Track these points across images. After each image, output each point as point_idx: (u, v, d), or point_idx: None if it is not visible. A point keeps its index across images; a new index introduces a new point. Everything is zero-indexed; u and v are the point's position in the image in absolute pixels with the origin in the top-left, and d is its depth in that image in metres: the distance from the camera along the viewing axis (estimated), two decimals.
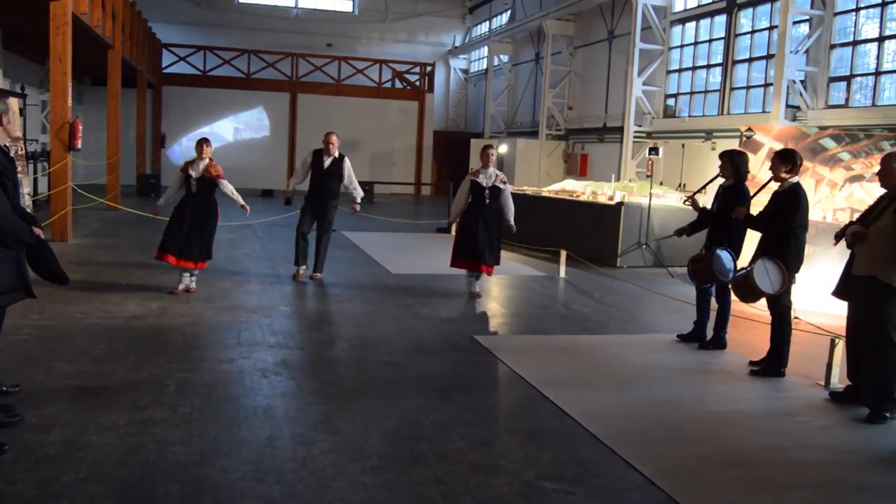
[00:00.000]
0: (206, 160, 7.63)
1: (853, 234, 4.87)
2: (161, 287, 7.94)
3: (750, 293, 5.63)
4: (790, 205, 5.53)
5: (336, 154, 8.66)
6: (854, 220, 5.20)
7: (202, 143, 7.68)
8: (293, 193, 9.01)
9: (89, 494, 3.29)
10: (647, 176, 12.02)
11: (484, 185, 8.15)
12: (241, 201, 7.89)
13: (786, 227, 5.54)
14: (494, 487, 3.58)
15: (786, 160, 5.62)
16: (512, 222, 8.31)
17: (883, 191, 4.98)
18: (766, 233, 5.70)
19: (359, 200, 8.98)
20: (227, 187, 7.76)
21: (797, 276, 5.70)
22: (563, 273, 10.04)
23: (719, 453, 4.15)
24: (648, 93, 17.42)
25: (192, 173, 7.57)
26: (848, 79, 12.76)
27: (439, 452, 3.95)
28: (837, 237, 5.11)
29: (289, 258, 10.24)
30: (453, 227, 8.92)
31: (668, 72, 17.63)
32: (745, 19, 15.57)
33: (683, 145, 15.59)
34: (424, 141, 26.77)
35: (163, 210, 7.93)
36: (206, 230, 7.59)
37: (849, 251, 5.02)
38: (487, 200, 8.15)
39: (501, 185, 8.23)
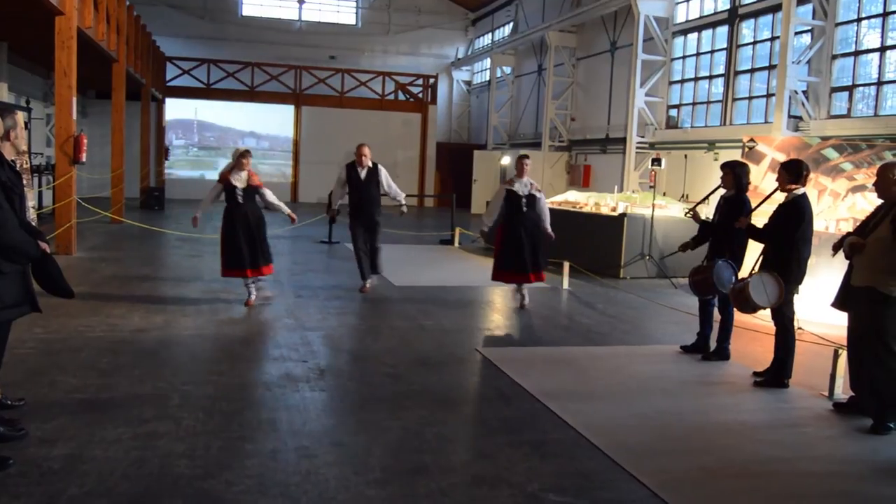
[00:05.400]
0: (247, 170, 7.72)
1: (851, 244, 4.86)
2: (164, 300, 7.98)
3: (746, 305, 5.64)
4: (794, 217, 5.52)
5: (370, 164, 8.79)
6: (851, 230, 5.19)
7: (246, 154, 7.77)
8: (338, 211, 9.25)
9: None
10: (650, 187, 12.04)
11: (521, 193, 8.23)
12: (287, 210, 8.04)
13: (788, 239, 5.52)
14: (498, 500, 3.58)
15: (791, 171, 5.61)
16: (549, 229, 8.38)
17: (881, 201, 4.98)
18: (769, 244, 5.69)
19: (403, 202, 9.11)
20: (271, 196, 7.89)
21: (800, 287, 5.70)
22: (566, 284, 10.04)
23: (723, 464, 4.15)
24: (651, 104, 17.44)
25: (238, 184, 7.64)
26: (850, 89, 12.76)
27: (443, 465, 3.95)
28: (835, 248, 5.09)
29: (294, 271, 10.36)
30: (475, 235, 9.06)
31: (671, 83, 17.65)
32: (746, 30, 15.59)
33: (686, 156, 15.59)
34: (427, 152, 26.84)
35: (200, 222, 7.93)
36: (260, 236, 7.72)
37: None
38: (525, 209, 8.22)
39: (537, 194, 8.31)
